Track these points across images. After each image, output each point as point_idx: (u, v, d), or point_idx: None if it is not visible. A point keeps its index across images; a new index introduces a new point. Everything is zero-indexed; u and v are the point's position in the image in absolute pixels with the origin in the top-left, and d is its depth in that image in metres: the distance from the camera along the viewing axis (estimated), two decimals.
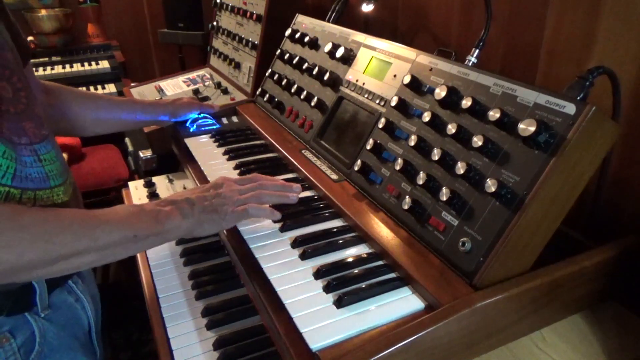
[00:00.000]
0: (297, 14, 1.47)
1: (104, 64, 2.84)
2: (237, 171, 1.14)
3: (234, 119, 1.50)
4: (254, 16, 1.63)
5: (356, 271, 0.78)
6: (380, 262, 0.80)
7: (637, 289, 0.82)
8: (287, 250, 0.84)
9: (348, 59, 1.18)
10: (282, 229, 0.89)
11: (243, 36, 1.72)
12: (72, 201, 0.83)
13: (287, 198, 0.92)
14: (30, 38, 2.78)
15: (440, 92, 0.85)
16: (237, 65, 1.75)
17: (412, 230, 0.83)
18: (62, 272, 0.69)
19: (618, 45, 0.89)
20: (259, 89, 1.52)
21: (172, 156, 1.48)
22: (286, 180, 1.09)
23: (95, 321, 0.93)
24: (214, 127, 1.41)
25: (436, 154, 0.82)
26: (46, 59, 2.84)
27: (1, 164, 0.69)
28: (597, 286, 0.80)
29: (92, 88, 2.77)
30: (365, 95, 1.08)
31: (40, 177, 0.75)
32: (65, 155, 0.93)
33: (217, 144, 1.31)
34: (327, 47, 1.22)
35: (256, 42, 1.62)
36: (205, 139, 1.35)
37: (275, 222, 0.91)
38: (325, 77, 1.20)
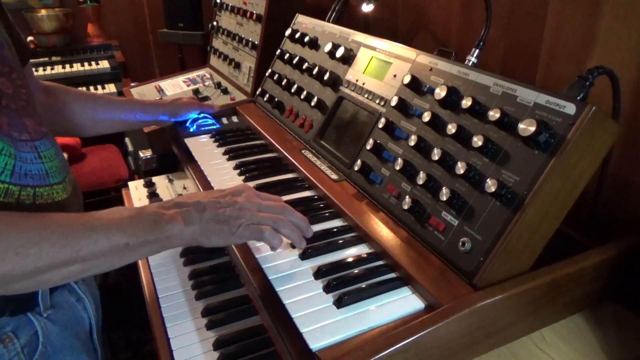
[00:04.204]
0: (297, 14, 1.47)
1: (104, 64, 2.84)
2: (237, 171, 1.14)
3: (234, 119, 1.50)
4: (254, 16, 1.63)
5: (356, 271, 0.78)
6: (380, 262, 0.80)
7: (637, 289, 0.82)
8: (287, 251, 0.84)
9: (348, 59, 1.18)
10: None
11: (243, 36, 1.72)
12: (72, 199, 0.82)
13: (301, 241, 0.81)
14: (30, 38, 2.78)
15: (440, 92, 0.85)
16: (237, 65, 1.75)
17: (412, 230, 0.83)
18: (46, 284, 0.64)
19: (618, 45, 0.89)
20: (259, 89, 1.52)
21: (172, 156, 1.48)
22: (286, 180, 1.10)
23: (96, 321, 0.93)
24: (214, 127, 1.41)
25: (436, 154, 0.82)
26: (46, 59, 2.84)
27: None
28: (597, 286, 0.80)
29: (92, 88, 2.78)
30: (365, 95, 1.08)
31: (40, 174, 0.75)
32: (65, 155, 0.93)
33: (217, 144, 1.31)
34: (327, 47, 1.22)
35: (256, 42, 1.62)
36: (205, 139, 1.36)
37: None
38: (325, 77, 1.20)
